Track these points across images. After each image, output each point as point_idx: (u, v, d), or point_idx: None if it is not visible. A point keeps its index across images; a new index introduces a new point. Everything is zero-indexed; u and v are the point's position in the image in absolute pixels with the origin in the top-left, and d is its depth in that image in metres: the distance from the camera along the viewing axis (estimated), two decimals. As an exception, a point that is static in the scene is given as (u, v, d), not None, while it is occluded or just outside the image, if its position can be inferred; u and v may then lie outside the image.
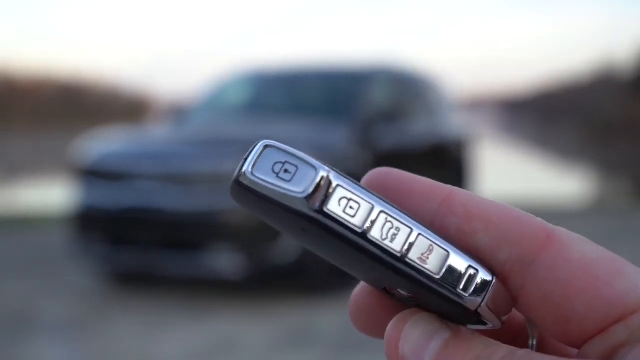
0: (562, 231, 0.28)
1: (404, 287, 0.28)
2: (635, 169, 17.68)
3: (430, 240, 0.27)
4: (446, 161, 6.68)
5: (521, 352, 0.26)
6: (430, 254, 0.27)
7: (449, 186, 0.30)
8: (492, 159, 16.93)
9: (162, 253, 4.42)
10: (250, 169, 0.27)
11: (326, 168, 0.26)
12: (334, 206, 0.26)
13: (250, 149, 0.27)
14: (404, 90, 6.22)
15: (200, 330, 3.87)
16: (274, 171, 0.26)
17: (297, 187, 0.26)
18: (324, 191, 0.26)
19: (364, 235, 0.26)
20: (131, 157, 4.67)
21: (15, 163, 18.82)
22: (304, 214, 0.26)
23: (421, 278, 0.27)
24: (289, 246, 4.33)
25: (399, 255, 0.26)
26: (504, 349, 0.27)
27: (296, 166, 0.26)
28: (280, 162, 0.27)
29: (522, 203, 8.94)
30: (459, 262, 0.27)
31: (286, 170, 0.26)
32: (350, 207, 0.26)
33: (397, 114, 5.84)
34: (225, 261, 4.29)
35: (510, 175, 15.03)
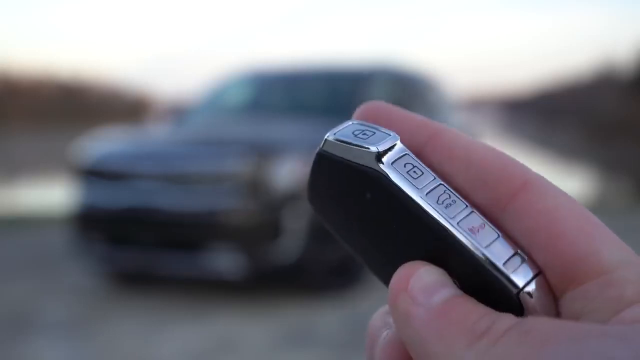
0: (540, 179, 0.28)
1: (447, 262, 0.27)
2: (636, 169, 17.67)
3: (482, 220, 0.27)
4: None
5: (531, 319, 0.24)
6: (482, 229, 0.27)
7: (438, 124, 0.30)
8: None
9: (162, 253, 4.42)
10: (332, 136, 0.29)
11: (399, 138, 0.29)
12: (400, 167, 0.28)
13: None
14: (404, 90, 6.22)
15: (200, 330, 3.87)
16: (353, 134, 0.29)
17: (371, 146, 0.28)
18: (394, 153, 0.28)
19: (422, 195, 0.27)
20: (131, 157, 4.67)
21: (15, 163, 18.82)
22: (373, 169, 0.28)
23: (470, 247, 0.26)
24: (289, 246, 4.32)
25: (452, 221, 0.27)
26: (511, 317, 0.25)
27: (374, 132, 0.29)
28: (360, 130, 0.29)
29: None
30: (507, 245, 0.27)
31: (364, 133, 0.29)
32: (414, 172, 0.28)
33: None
34: (225, 261, 4.29)
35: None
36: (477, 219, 0.27)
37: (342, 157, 0.28)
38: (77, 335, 3.82)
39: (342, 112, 5.39)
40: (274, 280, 4.56)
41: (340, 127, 0.30)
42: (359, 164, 0.28)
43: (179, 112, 6.08)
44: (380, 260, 0.29)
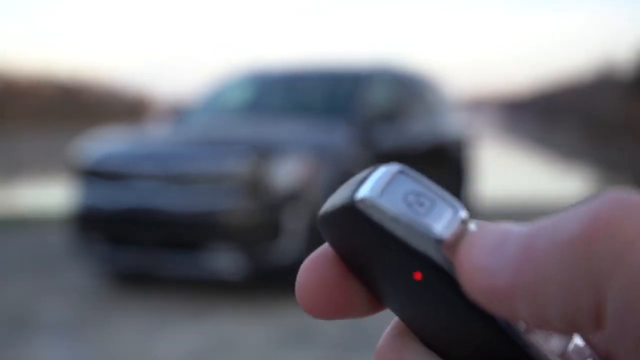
0: None
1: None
2: (636, 169, 17.68)
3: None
4: (446, 161, 6.68)
5: None
6: (554, 336, 0.22)
7: None
8: (493, 159, 16.93)
9: (162, 253, 4.42)
10: (377, 194, 0.22)
11: (464, 209, 0.22)
12: None
13: (369, 171, 0.23)
14: (404, 91, 6.22)
15: (200, 330, 3.87)
16: (406, 201, 0.22)
17: (432, 225, 0.21)
18: (460, 235, 0.21)
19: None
20: (131, 157, 4.67)
21: (15, 163, 18.83)
22: (431, 260, 0.21)
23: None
24: (289, 246, 4.33)
25: (521, 330, 0.22)
26: None
27: (433, 201, 0.22)
28: (415, 193, 0.22)
29: (522, 203, 8.95)
30: (580, 346, 0.23)
31: (421, 204, 0.22)
32: None
33: (397, 114, 5.85)
34: (225, 261, 4.29)
35: (511, 175, 15.03)
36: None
37: (387, 228, 0.21)
38: (77, 336, 3.82)
39: (342, 112, 5.41)
40: (274, 280, 4.56)
41: (385, 177, 0.22)
42: (413, 245, 0.21)
43: (179, 113, 6.08)
44: (401, 306, 0.24)
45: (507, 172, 15.62)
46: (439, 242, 0.21)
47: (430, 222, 0.21)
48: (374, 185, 0.22)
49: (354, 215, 0.22)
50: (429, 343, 0.24)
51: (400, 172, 0.22)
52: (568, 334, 0.21)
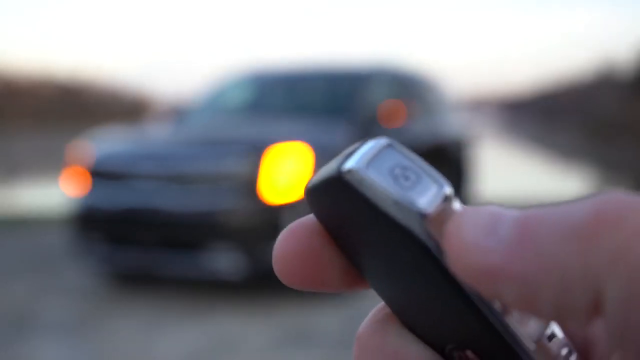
0: None
1: (482, 348, 0.23)
2: (636, 169, 17.68)
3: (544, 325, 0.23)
4: (446, 161, 6.68)
5: None
6: (532, 318, 0.22)
7: None
8: (493, 159, 16.93)
9: (162, 253, 4.42)
10: (363, 165, 0.21)
11: (449, 186, 0.22)
12: None
13: (358, 145, 0.22)
14: (404, 91, 6.22)
15: (200, 330, 3.87)
16: (392, 173, 0.22)
17: (416, 199, 0.21)
18: (443, 211, 0.21)
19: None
20: (131, 157, 4.67)
21: (15, 163, 18.83)
22: (413, 234, 0.21)
23: (512, 343, 0.22)
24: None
25: (499, 311, 0.22)
26: None
27: (419, 174, 0.22)
28: (402, 167, 0.22)
29: (522, 203, 8.95)
30: (558, 336, 0.23)
31: (407, 177, 0.22)
32: None
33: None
34: (225, 261, 4.29)
35: (511, 175, 15.03)
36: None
37: (370, 200, 0.21)
38: (77, 336, 3.82)
39: (342, 112, 5.41)
40: (274, 280, 4.56)
41: (373, 149, 0.22)
42: (396, 220, 0.21)
43: (178, 113, 6.08)
44: (383, 283, 0.24)
45: (507, 172, 15.62)
46: (422, 216, 0.21)
47: (414, 196, 0.21)
48: (361, 158, 0.22)
49: (340, 187, 0.22)
50: (410, 326, 0.24)
51: (388, 145, 0.22)
52: (552, 320, 0.21)
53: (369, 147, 0.22)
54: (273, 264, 0.24)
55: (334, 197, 0.22)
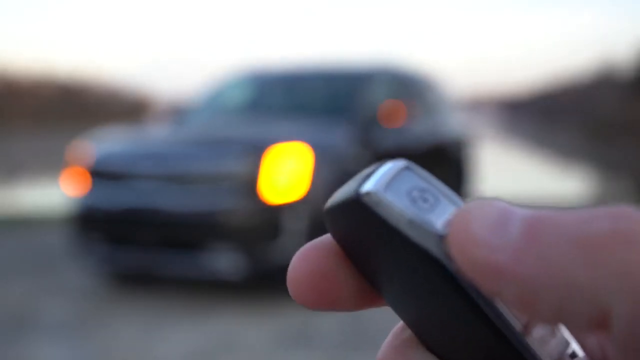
0: None
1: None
2: (636, 169, 17.68)
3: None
4: (446, 161, 6.68)
5: None
6: (553, 338, 0.22)
7: None
8: (493, 158, 16.93)
9: (162, 253, 4.42)
10: (382, 188, 0.22)
11: None
12: None
13: (376, 166, 0.23)
14: (404, 91, 6.22)
15: (200, 330, 3.87)
16: (409, 196, 0.22)
17: (435, 221, 0.21)
18: None
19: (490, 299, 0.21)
20: (131, 157, 4.67)
21: (15, 163, 18.83)
22: (432, 256, 0.21)
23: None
24: (289, 246, 4.32)
25: (520, 329, 0.22)
26: None
27: (437, 198, 0.22)
28: (420, 189, 0.22)
29: (522, 203, 8.94)
30: (579, 355, 0.22)
31: (425, 200, 0.22)
32: None
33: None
34: (225, 261, 4.29)
35: (511, 175, 15.03)
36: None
37: (389, 222, 0.21)
38: (77, 336, 3.82)
39: (342, 112, 5.41)
40: (274, 280, 4.56)
41: (391, 172, 0.22)
42: (414, 242, 0.21)
43: (179, 113, 6.09)
44: (402, 303, 0.24)
45: (507, 172, 15.62)
46: (440, 238, 0.21)
47: (432, 218, 0.21)
48: (379, 180, 0.22)
49: (358, 209, 0.22)
50: (430, 346, 0.24)
51: (406, 168, 0.22)
52: (550, 323, 0.20)
53: (386, 169, 0.22)
54: (287, 285, 0.24)
55: (352, 218, 0.22)
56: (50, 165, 16.53)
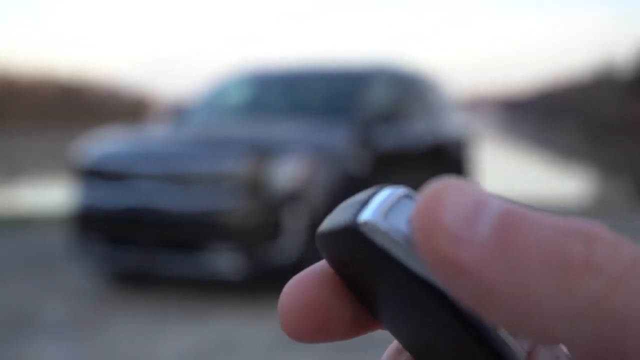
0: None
1: None
2: (635, 169, 17.68)
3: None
4: (446, 161, 6.68)
5: None
6: None
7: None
8: (492, 159, 16.93)
9: (162, 253, 4.42)
10: (380, 217, 0.21)
11: None
12: None
13: (373, 192, 0.22)
14: (404, 91, 6.22)
15: (200, 330, 3.87)
16: (410, 226, 0.21)
17: None
18: None
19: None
20: (131, 157, 4.67)
21: (16, 163, 18.83)
22: (433, 286, 0.21)
23: None
24: (289, 246, 4.33)
25: (524, 358, 0.21)
26: None
27: None
28: None
29: (522, 203, 8.93)
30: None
31: None
32: None
33: (397, 114, 5.85)
34: (225, 261, 4.29)
35: (511, 175, 15.04)
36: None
37: (389, 252, 0.21)
38: (77, 336, 3.83)
39: (342, 112, 5.41)
40: (274, 280, 4.56)
41: (390, 199, 0.21)
42: (415, 271, 0.21)
43: (178, 112, 6.09)
44: (400, 329, 0.23)
45: (506, 172, 15.62)
46: None
47: None
48: (378, 208, 0.21)
49: (355, 237, 0.21)
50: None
51: (405, 195, 0.21)
52: (500, 326, 0.19)
53: (385, 196, 0.21)
54: (279, 317, 0.23)
55: (348, 245, 0.22)
56: (51, 165, 16.53)
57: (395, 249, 0.21)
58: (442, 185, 0.19)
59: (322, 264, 0.24)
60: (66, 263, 5.34)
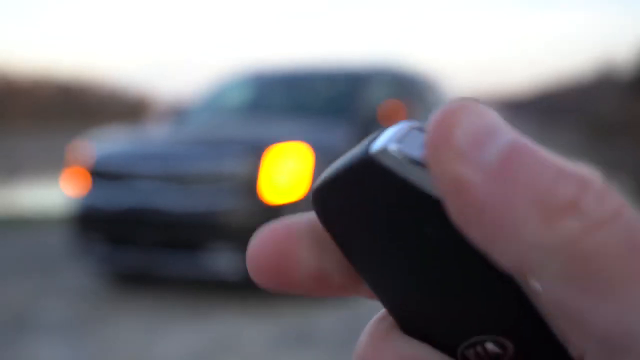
0: None
1: (513, 332, 0.21)
2: (636, 169, 17.70)
3: None
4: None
5: None
6: None
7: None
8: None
9: (162, 253, 4.42)
10: (395, 146, 0.20)
11: None
12: None
13: (379, 132, 0.21)
14: (404, 91, 6.21)
15: (200, 330, 3.87)
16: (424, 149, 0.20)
17: None
18: None
19: None
20: (131, 157, 4.67)
21: (16, 163, 18.83)
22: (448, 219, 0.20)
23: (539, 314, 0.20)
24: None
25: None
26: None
27: None
28: None
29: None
30: None
31: None
32: None
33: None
34: (225, 261, 4.29)
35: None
36: None
37: (407, 178, 0.20)
38: (77, 336, 3.82)
39: (342, 112, 5.41)
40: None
41: (402, 131, 0.21)
42: (430, 193, 0.20)
43: (178, 113, 6.09)
44: (394, 281, 0.22)
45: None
46: None
47: None
48: (391, 138, 0.20)
49: (370, 170, 0.20)
50: (416, 331, 0.23)
51: (415, 127, 0.21)
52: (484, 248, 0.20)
53: (395, 129, 0.21)
54: (247, 263, 0.24)
55: (357, 185, 0.21)
56: (50, 165, 16.54)
57: (414, 170, 0.20)
58: (459, 104, 0.20)
59: (300, 217, 0.24)
60: (66, 263, 5.33)
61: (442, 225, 0.20)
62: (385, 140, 0.20)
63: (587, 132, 32.89)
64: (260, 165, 4.38)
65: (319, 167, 4.53)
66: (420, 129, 0.21)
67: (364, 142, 0.21)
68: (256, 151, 4.43)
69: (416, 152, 0.20)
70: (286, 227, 0.24)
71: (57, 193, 8.37)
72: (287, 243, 0.24)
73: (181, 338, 3.75)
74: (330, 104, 5.57)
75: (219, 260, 4.29)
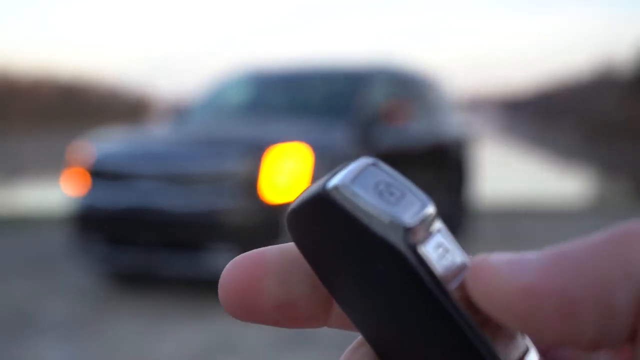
0: None
1: None
2: (635, 169, 17.69)
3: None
4: (446, 161, 6.67)
5: None
6: (512, 341, 0.22)
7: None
8: (493, 159, 16.94)
9: (162, 253, 4.42)
10: (348, 182, 0.21)
11: (432, 204, 0.22)
12: (430, 250, 0.21)
13: (342, 166, 0.23)
14: (404, 91, 6.21)
15: (200, 330, 3.87)
16: (376, 189, 0.22)
17: (400, 215, 0.21)
18: (426, 228, 0.21)
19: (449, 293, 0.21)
20: (131, 157, 4.67)
21: (16, 163, 18.83)
22: (397, 249, 0.21)
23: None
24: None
25: (486, 336, 0.21)
26: None
27: (402, 192, 0.22)
28: (386, 184, 0.22)
29: (522, 203, 8.95)
30: None
31: (391, 193, 0.22)
32: (445, 259, 0.21)
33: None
34: (225, 261, 4.29)
35: (511, 175, 15.04)
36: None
37: (355, 215, 0.21)
38: (77, 336, 3.83)
39: (341, 112, 5.41)
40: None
41: (357, 168, 0.22)
42: (379, 234, 0.21)
43: (178, 112, 6.09)
44: (365, 313, 0.23)
45: (507, 172, 15.62)
46: (407, 230, 0.21)
47: (399, 211, 0.21)
48: (346, 175, 0.22)
49: (325, 205, 0.22)
50: (389, 357, 0.24)
51: (372, 164, 0.22)
52: (588, 346, 0.19)
53: (353, 166, 0.22)
54: (218, 292, 0.24)
55: (317, 217, 0.22)
56: (50, 165, 16.53)
57: (362, 210, 0.21)
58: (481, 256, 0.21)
59: (272, 248, 0.25)
60: (66, 263, 5.34)
61: (391, 265, 0.21)
62: (341, 177, 0.22)
63: (587, 132, 32.88)
64: (260, 165, 4.39)
65: (318, 167, 4.53)
66: (376, 165, 0.22)
67: (327, 175, 0.22)
68: (256, 151, 4.43)
69: (369, 189, 0.21)
70: (257, 257, 0.24)
71: (57, 193, 8.37)
72: (256, 273, 0.24)
73: (181, 338, 3.75)
74: (330, 104, 5.57)
75: (219, 260, 4.30)
